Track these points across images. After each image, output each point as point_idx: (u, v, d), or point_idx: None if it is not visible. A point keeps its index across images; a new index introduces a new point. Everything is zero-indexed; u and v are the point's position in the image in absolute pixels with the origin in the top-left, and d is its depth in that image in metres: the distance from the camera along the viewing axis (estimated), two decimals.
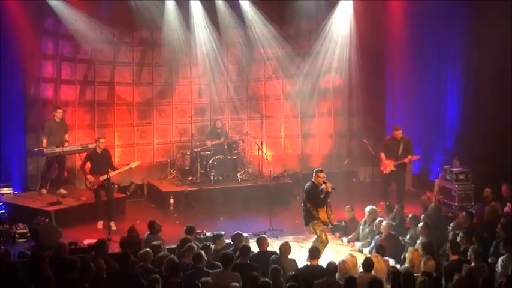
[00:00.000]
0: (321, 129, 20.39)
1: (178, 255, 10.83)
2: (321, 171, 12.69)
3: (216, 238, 11.72)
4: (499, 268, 10.28)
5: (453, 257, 10.60)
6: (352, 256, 10.74)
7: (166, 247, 11.52)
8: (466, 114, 17.32)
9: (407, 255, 10.91)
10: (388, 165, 16.41)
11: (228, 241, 11.73)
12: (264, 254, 11.11)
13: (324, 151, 20.29)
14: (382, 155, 16.56)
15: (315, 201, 12.51)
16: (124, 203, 16.51)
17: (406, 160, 16.34)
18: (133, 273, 9.77)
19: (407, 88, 19.06)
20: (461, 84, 17.50)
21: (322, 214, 12.50)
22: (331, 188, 12.48)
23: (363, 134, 18.35)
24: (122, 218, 15.58)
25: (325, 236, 12.66)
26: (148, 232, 12.25)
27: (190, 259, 10.37)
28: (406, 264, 10.60)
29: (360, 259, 10.87)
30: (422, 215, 13.33)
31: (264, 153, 17.52)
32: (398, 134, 16.45)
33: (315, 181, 12.60)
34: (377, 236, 12.94)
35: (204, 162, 17.83)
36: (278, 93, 20.20)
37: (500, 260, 10.39)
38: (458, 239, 11.23)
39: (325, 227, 12.71)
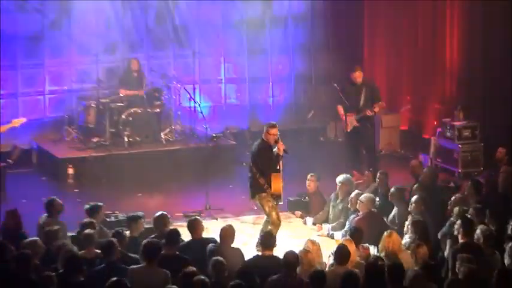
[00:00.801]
0: (275, 71, 20.36)
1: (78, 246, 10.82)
2: (273, 126, 12.81)
3: (132, 221, 11.64)
4: (506, 258, 10.29)
5: (463, 240, 10.60)
6: (314, 243, 10.73)
7: (69, 235, 11.57)
8: (472, 50, 17.32)
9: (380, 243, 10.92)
10: (349, 121, 16.28)
11: (148, 225, 11.73)
12: (198, 242, 11.10)
13: (280, 100, 20.25)
14: (340, 108, 16.38)
15: (263, 166, 12.55)
16: (4, 175, 16.26)
17: (369, 112, 16.22)
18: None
19: (392, 15, 19.12)
20: (465, 8, 17.45)
21: (275, 184, 12.60)
22: (284, 150, 12.52)
23: (333, 78, 18.28)
24: (1, 196, 15.31)
25: (277, 214, 12.75)
26: (46, 214, 12.14)
27: (93, 251, 10.36)
28: (381, 254, 10.62)
29: (330, 246, 10.84)
30: (414, 186, 13.40)
31: (197, 104, 17.37)
32: (358, 76, 16.32)
33: (265, 138, 12.63)
34: (353, 216, 12.99)
35: (115, 118, 17.74)
36: (216, 21, 20.02)
37: (508, 247, 10.38)
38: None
39: (276, 202, 12.67)
